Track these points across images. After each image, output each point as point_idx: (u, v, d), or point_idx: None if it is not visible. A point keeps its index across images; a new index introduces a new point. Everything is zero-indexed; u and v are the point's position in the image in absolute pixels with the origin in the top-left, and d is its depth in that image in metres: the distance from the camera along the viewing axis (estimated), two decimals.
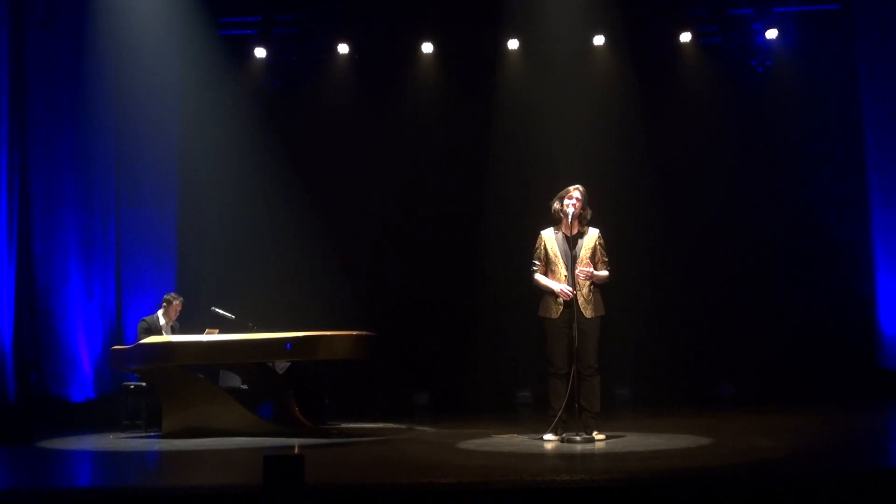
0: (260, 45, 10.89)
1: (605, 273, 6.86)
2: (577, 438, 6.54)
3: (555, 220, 6.93)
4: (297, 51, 11.08)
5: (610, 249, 6.96)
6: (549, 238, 6.90)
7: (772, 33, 10.60)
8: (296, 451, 6.62)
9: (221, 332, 8.43)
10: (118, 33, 9.92)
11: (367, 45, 11.07)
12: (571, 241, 6.82)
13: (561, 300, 6.75)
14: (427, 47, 11.00)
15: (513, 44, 10.98)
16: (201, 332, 8.38)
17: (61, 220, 9.43)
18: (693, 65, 10.96)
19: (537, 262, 6.91)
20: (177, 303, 9.12)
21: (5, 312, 8.47)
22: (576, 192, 6.83)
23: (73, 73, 9.62)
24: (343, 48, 11.02)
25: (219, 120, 10.80)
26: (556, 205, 6.89)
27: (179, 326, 9.15)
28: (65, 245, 9.46)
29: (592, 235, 6.89)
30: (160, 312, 9.12)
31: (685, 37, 10.82)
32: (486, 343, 10.70)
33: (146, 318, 9.12)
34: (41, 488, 5.41)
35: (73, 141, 9.61)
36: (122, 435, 8.45)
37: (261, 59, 11.00)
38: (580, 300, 6.74)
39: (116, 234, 10.06)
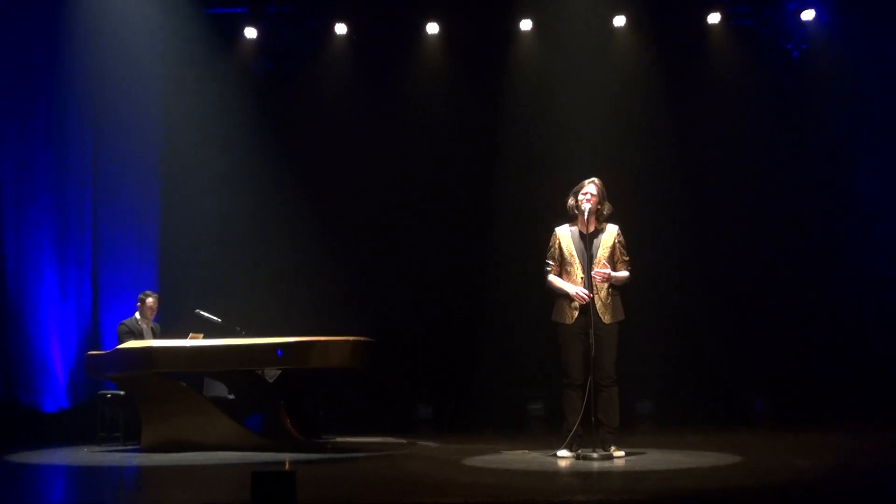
0: (250, 24, 10.88)
1: (625, 274, 6.84)
2: (594, 455, 6.53)
3: (570, 217, 6.91)
4: (291, 31, 11.07)
5: (630, 248, 6.94)
6: (564, 236, 6.88)
7: (808, 14, 10.56)
8: (287, 466, 6.62)
9: (206, 336, 8.43)
10: (95, 11, 9.93)
11: (366, 25, 11.06)
12: (588, 240, 6.80)
13: (576, 304, 6.73)
14: (432, 28, 10.99)
15: (526, 24, 10.96)
16: (184, 336, 8.39)
17: (33, 215, 9.46)
18: (722, 48, 10.93)
19: (551, 263, 6.89)
20: (151, 300, 9.13)
21: None
22: (591, 185, 6.82)
23: (46, 55, 9.63)
24: (341, 28, 11.01)
25: (205, 106, 10.79)
26: (571, 200, 6.87)
27: (160, 328, 9.16)
28: (38, 242, 9.48)
29: (611, 233, 6.87)
30: (137, 314, 9.12)
31: (714, 17, 10.78)
32: (494, 351, 10.69)
33: (125, 321, 9.13)
34: None
35: (47, 129, 9.63)
36: (98, 448, 8.46)
37: (251, 40, 10.99)
38: (597, 304, 6.72)
39: (93, 230, 10.07)
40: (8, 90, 9.19)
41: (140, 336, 8.88)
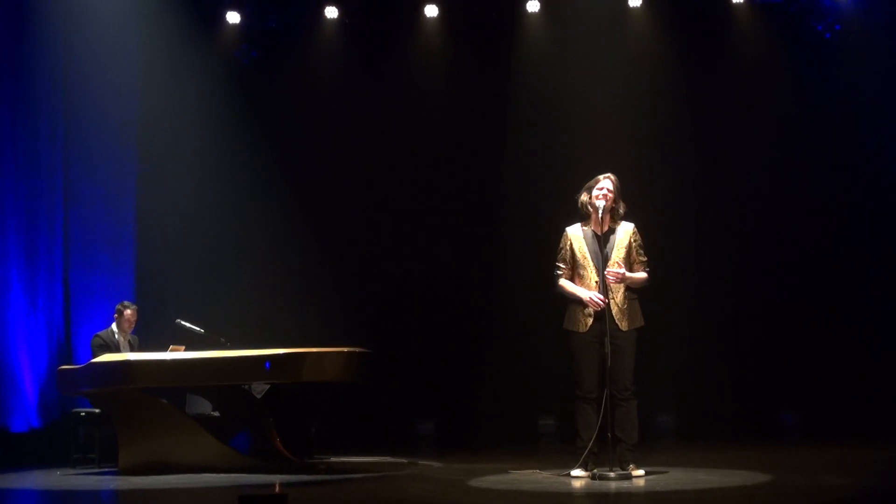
0: (233, 8, 10.90)
1: (642, 275, 6.84)
2: (611, 475, 6.53)
3: (582, 215, 6.92)
4: (278, 15, 11.09)
5: (648, 248, 6.95)
6: (577, 236, 6.89)
7: None
8: (277, 489, 6.63)
9: (188, 348, 8.44)
10: None
11: (359, 7, 11.08)
12: (602, 240, 6.80)
13: (590, 310, 6.73)
14: (431, 10, 11.01)
15: (532, 5, 10.98)
16: (164, 348, 8.40)
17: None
18: (747, 29, 10.94)
19: (562, 266, 6.89)
20: (129, 311, 9.14)
21: None
22: (606, 181, 6.82)
23: (12, 44, 9.65)
24: (331, 12, 11.03)
25: (184, 98, 10.80)
26: (584, 197, 6.88)
27: (139, 341, 9.18)
28: (4, 248, 9.49)
29: (627, 231, 6.87)
30: (114, 325, 9.14)
31: None
32: (502, 361, 10.69)
33: (100, 332, 9.14)
34: None
35: (13, 124, 9.64)
36: (72, 471, 8.47)
37: (234, 26, 11.02)
38: (614, 309, 6.72)
39: (64, 235, 10.08)
40: None
41: (116, 350, 8.90)
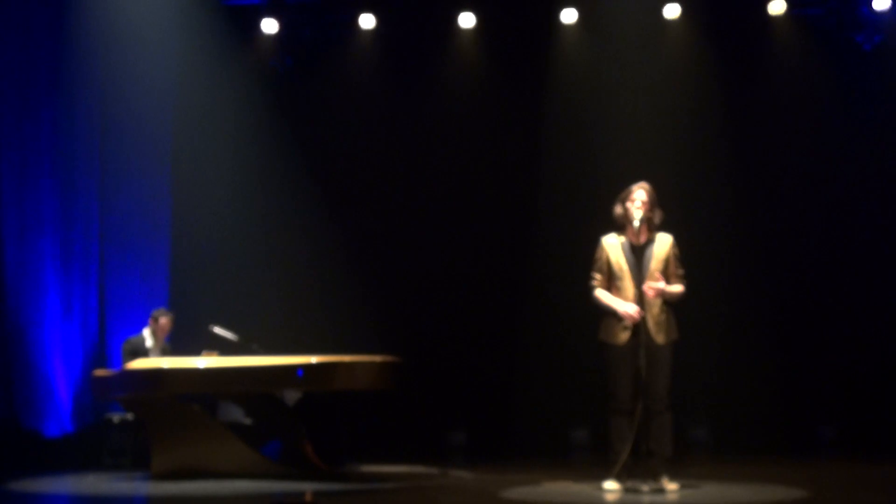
0: (270, 16, 10.95)
1: (679, 288, 6.79)
2: (645, 488, 6.50)
3: (617, 226, 6.88)
4: (313, 24, 11.14)
5: (684, 259, 6.90)
6: (613, 247, 6.85)
7: (882, 3, 10.47)
8: (308, 497, 6.65)
9: (221, 355, 8.48)
10: (102, 5, 10.04)
11: (395, 16, 11.10)
12: (640, 251, 6.76)
13: (627, 323, 6.69)
14: (467, 20, 11.00)
15: (569, 16, 10.95)
16: (197, 354, 8.44)
17: (36, 225, 9.55)
18: (786, 41, 10.86)
19: (598, 276, 6.86)
20: (164, 320, 9.19)
21: None
22: (640, 191, 6.78)
23: (51, 54, 9.75)
24: (367, 21, 11.05)
25: (220, 106, 10.87)
26: (619, 209, 6.84)
27: (171, 348, 9.22)
28: (40, 254, 9.58)
29: (665, 243, 6.82)
30: (146, 331, 9.19)
31: (776, 6, 10.72)
32: (535, 371, 10.66)
33: (130, 338, 9.21)
34: None
35: (52, 132, 9.74)
36: (105, 475, 8.52)
37: (270, 34, 11.06)
38: (650, 322, 6.67)
39: (100, 241, 10.16)
40: (9, 92, 9.31)
41: (145, 356, 8.92)
